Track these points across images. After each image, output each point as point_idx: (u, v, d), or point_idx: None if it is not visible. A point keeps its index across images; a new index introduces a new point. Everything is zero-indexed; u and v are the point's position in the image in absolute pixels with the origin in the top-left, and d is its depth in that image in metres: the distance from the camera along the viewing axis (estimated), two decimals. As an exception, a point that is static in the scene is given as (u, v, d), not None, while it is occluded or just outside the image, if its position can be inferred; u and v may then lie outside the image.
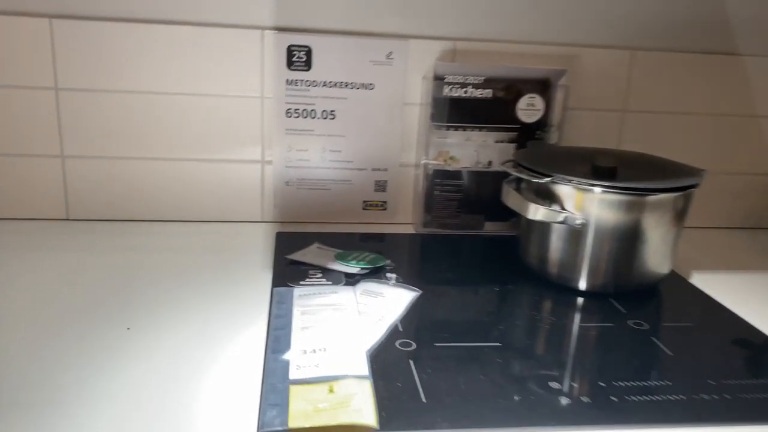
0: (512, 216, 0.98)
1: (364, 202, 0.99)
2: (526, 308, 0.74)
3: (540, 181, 0.75)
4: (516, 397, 0.55)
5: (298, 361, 0.58)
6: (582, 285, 0.78)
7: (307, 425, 0.49)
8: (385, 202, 0.99)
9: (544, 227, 0.79)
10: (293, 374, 0.56)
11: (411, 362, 0.60)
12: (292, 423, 0.50)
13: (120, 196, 0.94)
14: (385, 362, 0.60)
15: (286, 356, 0.59)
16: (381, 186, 0.98)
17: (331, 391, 0.54)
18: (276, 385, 0.55)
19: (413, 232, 0.97)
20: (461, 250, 0.92)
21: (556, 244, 0.79)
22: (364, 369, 0.57)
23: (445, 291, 0.77)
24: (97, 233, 0.90)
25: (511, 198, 0.79)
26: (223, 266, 0.81)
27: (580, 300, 0.77)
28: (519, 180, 0.82)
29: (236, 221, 0.97)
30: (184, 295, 0.72)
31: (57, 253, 0.82)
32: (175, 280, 0.76)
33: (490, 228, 0.98)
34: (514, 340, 0.66)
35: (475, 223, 0.98)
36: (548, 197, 0.77)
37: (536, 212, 0.75)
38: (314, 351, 0.60)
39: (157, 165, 0.93)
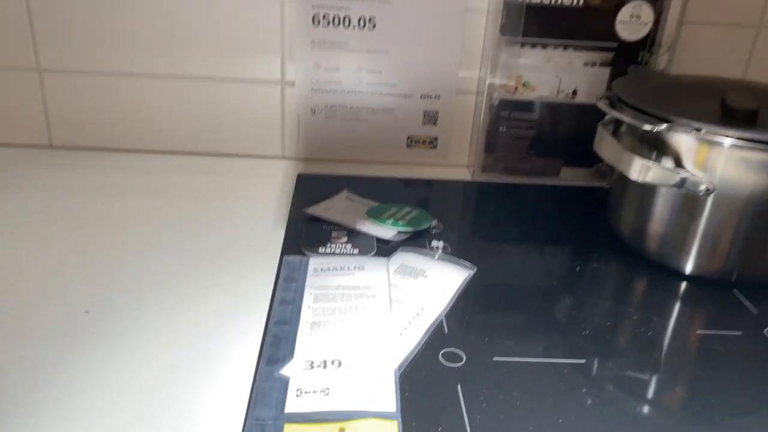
0: (597, 161, 0.77)
1: (409, 138, 0.79)
2: (617, 299, 0.54)
3: (654, 127, 0.54)
4: (611, 461, 0.38)
5: (301, 381, 0.42)
6: (689, 268, 0.58)
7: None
8: (435, 138, 0.79)
9: (646, 188, 0.58)
10: (291, 403, 0.40)
11: (459, 389, 0.43)
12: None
13: (109, 120, 0.77)
14: (421, 389, 0.42)
15: (286, 371, 0.43)
16: (431, 118, 0.78)
17: (341, 438, 0.37)
18: (265, 421, 0.39)
19: (469, 178, 0.78)
20: (530, 205, 0.72)
21: (661, 211, 0.58)
22: (391, 401, 0.40)
23: (507, 269, 0.58)
24: (82, 166, 0.74)
25: (608, 148, 0.58)
26: (225, 218, 0.64)
27: (688, 289, 0.57)
28: (618, 123, 0.61)
29: (249, 156, 0.79)
30: (168, 262, 0.56)
31: (38, 191, 0.67)
32: (160, 238, 0.59)
33: (569, 175, 0.78)
34: (602, 353, 0.47)
35: (550, 168, 0.78)
36: (658, 148, 0.56)
37: (645, 172, 0.54)
38: (324, 365, 0.43)
39: (153, 84, 0.75)
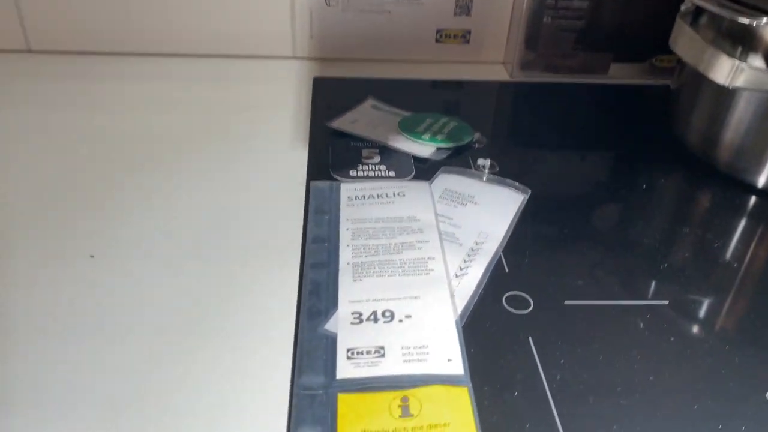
0: (651, 55, 0.68)
1: (438, 31, 0.69)
2: (694, 223, 0.48)
3: (754, 21, 0.45)
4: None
5: (350, 338, 0.36)
6: (762, 182, 0.51)
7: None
8: (467, 32, 0.69)
9: (725, 90, 0.50)
10: (343, 368, 0.34)
11: (531, 342, 0.37)
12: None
13: (95, 20, 0.66)
14: (488, 343, 0.37)
15: (331, 326, 0.37)
16: (464, 7, 0.67)
17: (401, 411, 0.32)
18: (314, 390, 0.33)
19: (506, 78, 0.69)
20: (577, 108, 0.64)
21: (741, 118, 0.50)
22: (457, 362, 0.35)
23: (564, 190, 0.51)
24: (65, 74, 0.64)
25: (688, 45, 0.49)
26: (233, 133, 0.56)
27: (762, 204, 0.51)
28: (696, 13, 0.51)
29: (255, 57, 0.69)
30: (169, 189, 0.49)
31: (16, 103, 0.58)
32: (160, 157, 0.52)
33: (619, 73, 0.69)
34: (687, 291, 0.42)
35: (599, 64, 0.68)
36: (745, 45, 0.47)
37: (735, 74, 0.46)
38: (374, 318, 0.37)
39: (139, -27, 0.64)
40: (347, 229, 0.45)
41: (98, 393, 0.33)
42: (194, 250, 0.43)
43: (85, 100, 0.60)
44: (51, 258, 0.42)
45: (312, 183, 0.49)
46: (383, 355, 0.35)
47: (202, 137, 0.55)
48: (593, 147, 0.57)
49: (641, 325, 0.39)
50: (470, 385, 0.34)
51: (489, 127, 0.59)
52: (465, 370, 0.34)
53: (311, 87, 0.64)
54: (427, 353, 0.35)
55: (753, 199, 0.52)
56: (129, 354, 0.36)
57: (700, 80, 0.51)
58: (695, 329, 0.39)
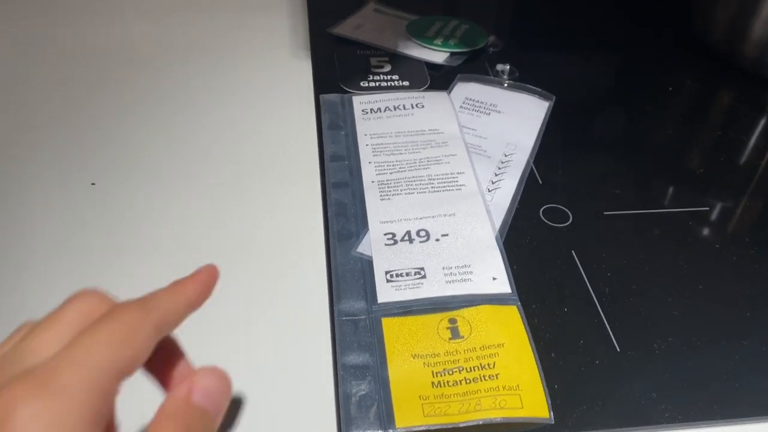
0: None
1: (439, -75, 0.63)
2: (725, 124, 0.46)
3: None
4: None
5: (387, 260, 0.34)
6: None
7: (435, 422, 0.27)
8: (471, -75, 0.63)
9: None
10: (383, 291, 0.32)
11: (574, 256, 0.35)
12: (402, 421, 0.27)
13: None
14: (531, 259, 0.35)
15: (364, 248, 0.35)
16: None
17: (450, 334, 0.31)
18: (356, 316, 0.31)
19: (513, -24, 0.64)
20: (593, 1, 0.60)
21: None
22: (503, 279, 0.33)
23: (588, 94, 0.48)
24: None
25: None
26: (225, 41, 0.51)
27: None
28: None
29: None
30: (160, 114, 0.45)
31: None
32: (147, 76, 0.47)
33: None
34: (726, 197, 0.40)
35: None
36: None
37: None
38: (409, 238, 0.35)
39: None
40: (367, 144, 0.41)
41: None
42: (205, 174, 0.40)
43: (61, 10, 0.54)
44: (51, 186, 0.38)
45: (321, 96, 0.45)
46: (424, 276, 0.33)
47: (193, 50, 0.51)
48: (613, 46, 0.54)
49: (683, 232, 0.37)
50: (519, 303, 0.32)
51: (502, 28, 0.55)
52: (512, 287, 0.33)
53: (304, -10, 0.59)
54: (471, 272, 0.33)
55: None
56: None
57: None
58: (739, 234, 0.38)
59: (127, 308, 0.19)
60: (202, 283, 0.22)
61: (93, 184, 0.39)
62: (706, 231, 0.38)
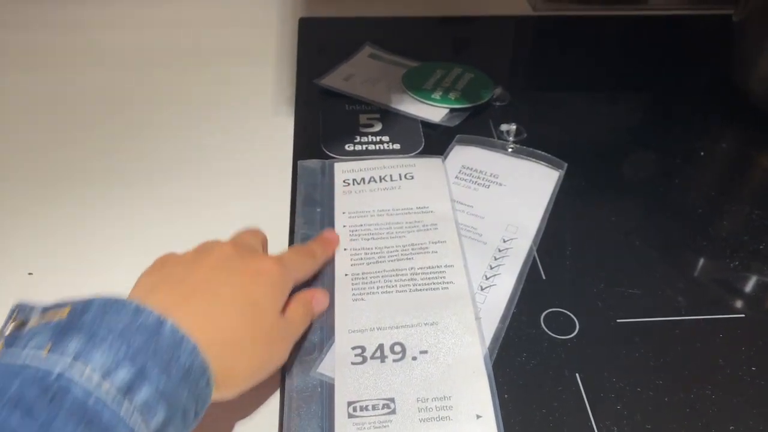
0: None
1: (447, -44, 0.57)
2: (761, 202, 0.40)
3: None
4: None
5: (352, 384, 0.28)
6: None
7: None
8: (482, -45, 0.57)
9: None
10: (343, 430, 0.27)
11: (579, 381, 0.29)
12: None
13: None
14: (526, 386, 0.29)
15: (326, 366, 0.29)
16: (477, -75, 0.56)
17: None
18: (308, 463, 0.26)
19: (529, 11, 0.58)
20: (615, 48, 0.54)
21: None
22: (489, 420, 0.27)
23: (606, 162, 0.42)
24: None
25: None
26: (200, 94, 0.46)
27: None
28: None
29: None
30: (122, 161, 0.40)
31: None
32: (108, 128, 0.43)
33: (662, 0, 0.58)
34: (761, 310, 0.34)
35: (637, -7, 0.57)
36: None
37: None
38: (381, 355, 0.30)
39: None
40: (344, 225, 0.36)
41: None
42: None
43: (45, 49, 0.50)
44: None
45: (300, 163, 0.40)
46: (393, 411, 0.27)
47: (170, 98, 0.46)
48: (635, 100, 0.48)
49: (716, 345, 0.31)
50: (505, 451, 0.26)
51: (510, 77, 0.49)
52: (499, 430, 0.27)
53: (296, 29, 0.54)
54: (450, 407, 0.28)
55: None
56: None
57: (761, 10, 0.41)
58: (782, 353, 0.31)
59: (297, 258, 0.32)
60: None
61: (31, 274, 0.34)
62: (742, 344, 0.31)
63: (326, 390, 0.29)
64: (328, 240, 0.34)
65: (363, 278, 0.33)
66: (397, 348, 0.30)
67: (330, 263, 0.34)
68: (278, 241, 0.35)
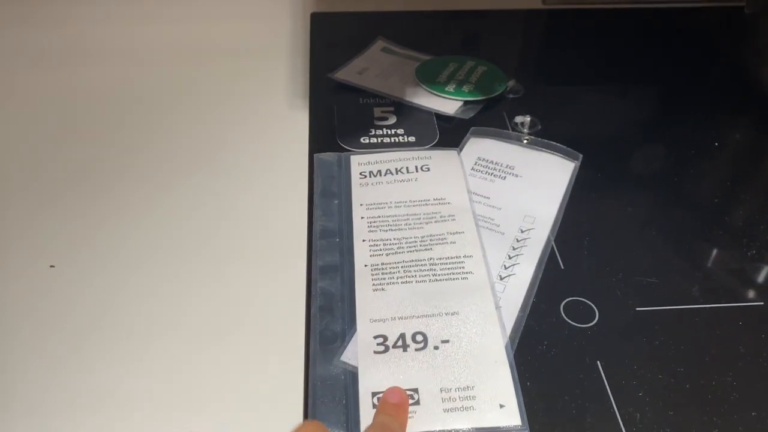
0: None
1: (457, -50, 0.57)
2: (779, 190, 0.40)
3: None
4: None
5: (375, 375, 0.29)
6: None
7: None
8: (492, -51, 0.57)
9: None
10: (367, 417, 0.27)
11: (600, 368, 0.30)
12: None
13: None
14: (547, 374, 0.29)
15: (349, 355, 0.30)
16: None
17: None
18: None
19: (539, 4, 0.58)
20: (628, 42, 0.54)
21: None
22: (513, 409, 0.27)
23: (621, 153, 0.42)
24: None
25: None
26: (217, 87, 0.46)
27: None
28: None
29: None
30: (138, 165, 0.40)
31: None
32: (127, 124, 0.43)
33: (672, -6, 0.58)
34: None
35: (648, -15, 0.57)
36: None
37: None
38: (402, 344, 0.30)
39: None
40: (362, 217, 0.36)
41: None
42: (173, 255, 0.35)
43: (55, 47, 0.50)
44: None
45: (316, 156, 0.40)
46: (418, 402, 0.28)
47: (185, 94, 0.46)
48: (648, 92, 0.48)
49: (733, 334, 0.31)
50: (530, 441, 0.27)
51: (522, 70, 0.49)
52: (522, 419, 0.27)
53: (308, 24, 0.54)
54: (474, 397, 0.28)
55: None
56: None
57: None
58: (801, 340, 0.31)
59: None
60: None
61: (52, 266, 0.34)
62: (760, 330, 0.31)
63: (350, 378, 0.29)
64: (394, 406, 0.27)
65: (382, 269, 0.33)
66: (419, 337, 0.30)
67: (350, 254, 0.34)
68: (297, 233, 0.36)
